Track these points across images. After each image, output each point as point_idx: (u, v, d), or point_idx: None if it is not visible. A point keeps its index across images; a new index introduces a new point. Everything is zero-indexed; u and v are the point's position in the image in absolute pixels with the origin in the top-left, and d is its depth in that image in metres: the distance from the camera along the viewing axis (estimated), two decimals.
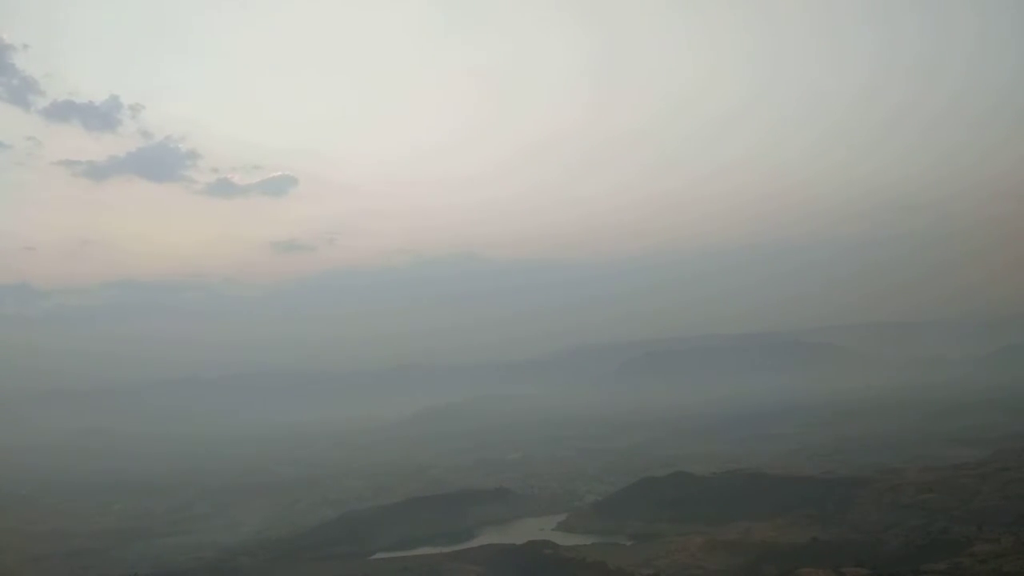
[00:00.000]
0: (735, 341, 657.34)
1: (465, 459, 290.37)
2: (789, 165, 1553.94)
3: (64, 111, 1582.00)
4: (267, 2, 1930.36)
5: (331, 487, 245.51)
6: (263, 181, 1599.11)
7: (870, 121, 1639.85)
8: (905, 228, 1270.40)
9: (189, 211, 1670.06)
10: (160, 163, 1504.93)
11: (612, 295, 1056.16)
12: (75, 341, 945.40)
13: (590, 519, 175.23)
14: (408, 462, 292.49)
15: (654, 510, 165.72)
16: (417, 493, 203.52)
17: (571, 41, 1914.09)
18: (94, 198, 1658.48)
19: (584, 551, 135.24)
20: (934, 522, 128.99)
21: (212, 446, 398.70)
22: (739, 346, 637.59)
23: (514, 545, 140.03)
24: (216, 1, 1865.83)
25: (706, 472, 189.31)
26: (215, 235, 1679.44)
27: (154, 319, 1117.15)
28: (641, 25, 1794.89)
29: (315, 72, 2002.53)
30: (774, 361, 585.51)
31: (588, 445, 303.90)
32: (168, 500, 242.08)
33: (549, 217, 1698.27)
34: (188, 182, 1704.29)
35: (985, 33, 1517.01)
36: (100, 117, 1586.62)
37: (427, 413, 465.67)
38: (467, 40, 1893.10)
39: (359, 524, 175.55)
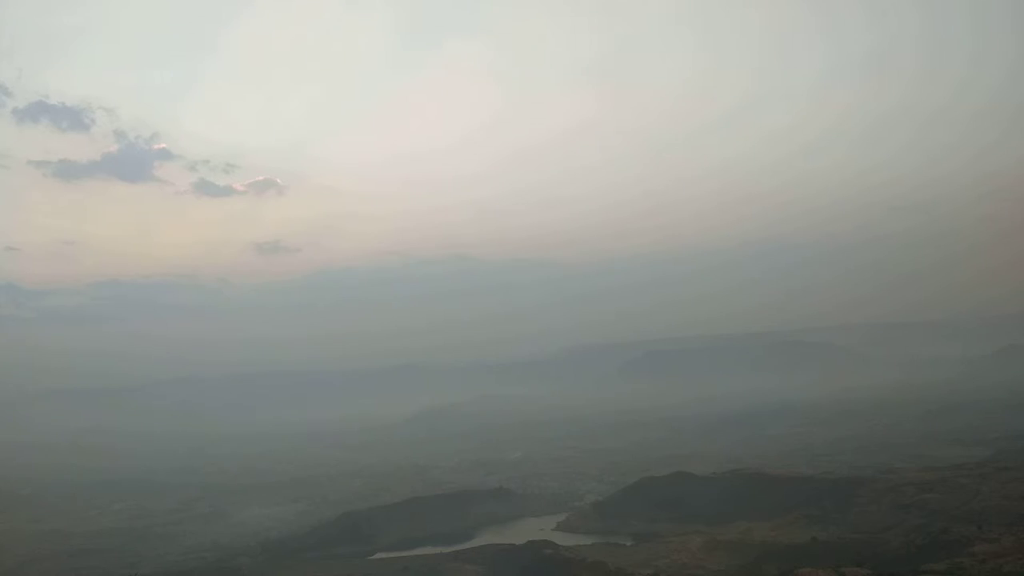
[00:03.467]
0: (735, 341, 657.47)
1: (465, 459, 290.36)
2: (782, 164, 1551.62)
3: (36, 112, 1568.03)
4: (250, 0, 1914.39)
5: (331, 487, 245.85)
6: (247, 184, 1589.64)
7: (865, 120, 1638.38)
8: (898, 227, 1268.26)
9: (170, 212, 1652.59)
10: (137, 164, 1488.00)
11: (609, 294, 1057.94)
12: (72, 341, 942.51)
13: (590, 519, 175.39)
14: (408, 462, 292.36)
15: (654, 510, 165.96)
16: (417, 493, 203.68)
17: (561, 43, 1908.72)
18: (73, 199, 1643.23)
19: (584, 551, 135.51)
20: (934, 522, 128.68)
21: (211, 446, 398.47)
22: (739, 346, 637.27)
23: (514, 545, 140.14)
24: (196, 2, 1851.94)
25: (706, 472, 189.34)
26: (199, 236, 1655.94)
27: (150, 319, 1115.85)
28: (630, 26, 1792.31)
29: (300, 71, 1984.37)
30: (774, 361, 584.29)
31: (588, 445, 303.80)
32: (168, 500, 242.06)
33: (539, 217, 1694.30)
34: (166, 183, 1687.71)
35: (979, 33, 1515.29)
36: (73, 118, 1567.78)
37: (427, 413, 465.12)
38: (455, 41, 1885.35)
39: (359, 524, 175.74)
